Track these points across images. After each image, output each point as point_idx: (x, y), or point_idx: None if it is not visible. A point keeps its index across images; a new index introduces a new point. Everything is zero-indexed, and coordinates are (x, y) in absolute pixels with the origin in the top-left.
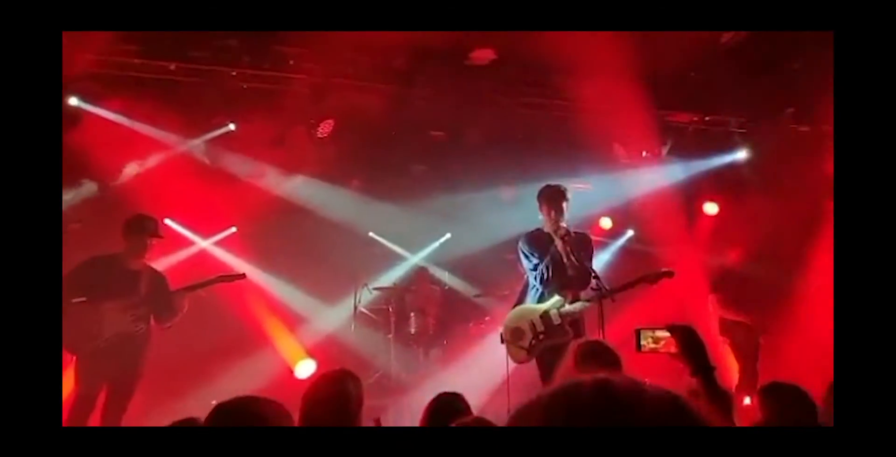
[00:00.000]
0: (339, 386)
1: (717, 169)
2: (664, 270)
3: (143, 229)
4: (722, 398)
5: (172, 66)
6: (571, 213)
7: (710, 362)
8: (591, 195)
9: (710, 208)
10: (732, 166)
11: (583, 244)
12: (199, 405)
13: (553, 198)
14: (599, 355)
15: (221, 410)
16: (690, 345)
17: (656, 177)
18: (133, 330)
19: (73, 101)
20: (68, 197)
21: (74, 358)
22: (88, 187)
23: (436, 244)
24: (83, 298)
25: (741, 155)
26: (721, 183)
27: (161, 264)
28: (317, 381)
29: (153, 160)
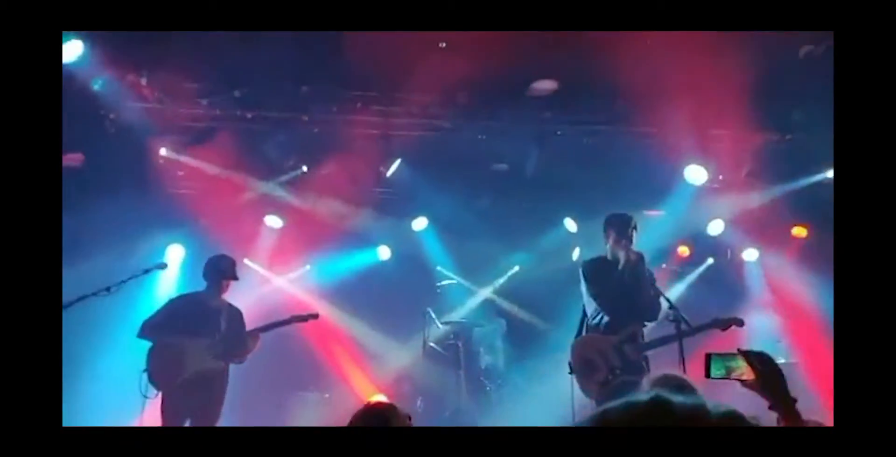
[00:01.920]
0: (380, 420)
1: (804, 190)
2: (735, 317)
3: (219, 271)
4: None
5: (249, 116)
6: (644, 240)
7: (789, 392)
8: (663, 222)
9: (799, 232)
10: (820, 187)
11: (651, 275)
12: None
13: (621, 226)
14: (682, 390)
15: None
16: (768, 374)
17: (737, 201)
18: (213, 367)
19: (163, 152)
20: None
21: (160, 394)
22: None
23: (504, 278)
24: (171, 337)
25: (829, 175)
26: (810, 205)
27: (240, 301)
28: (359, 413)
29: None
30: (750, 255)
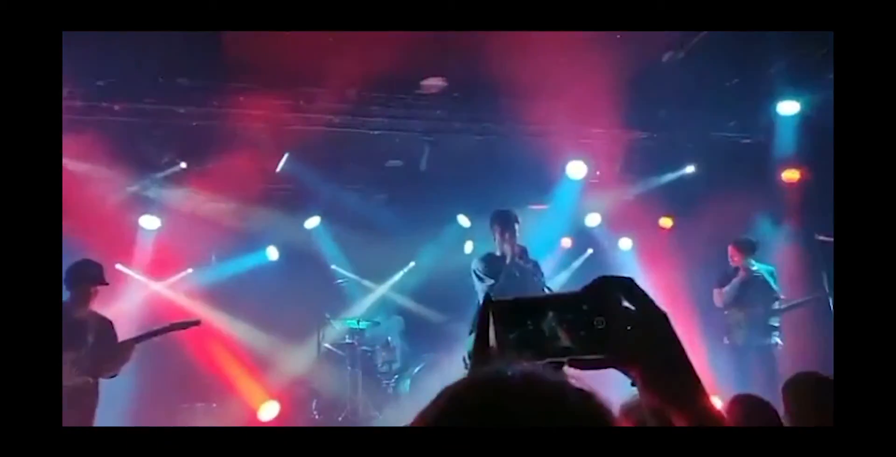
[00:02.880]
0: None
1: (669, 184)
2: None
3: (85, 277)
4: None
5: (117, 107)
6: (531, 234)
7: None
8: (548, 216)
9: (665, 222)
10: (683, 181)
11: (536, 266)
12: None
13: (505, 221)
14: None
15: None
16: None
17: (612, 195)
18: (79, 383)
19: None
20: None
21: None
22: None
23: (399, 274)
24: None
25: (690, 170)
26: (674, 198)
27: (111, 311)
28: None
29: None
30: (625, 244)
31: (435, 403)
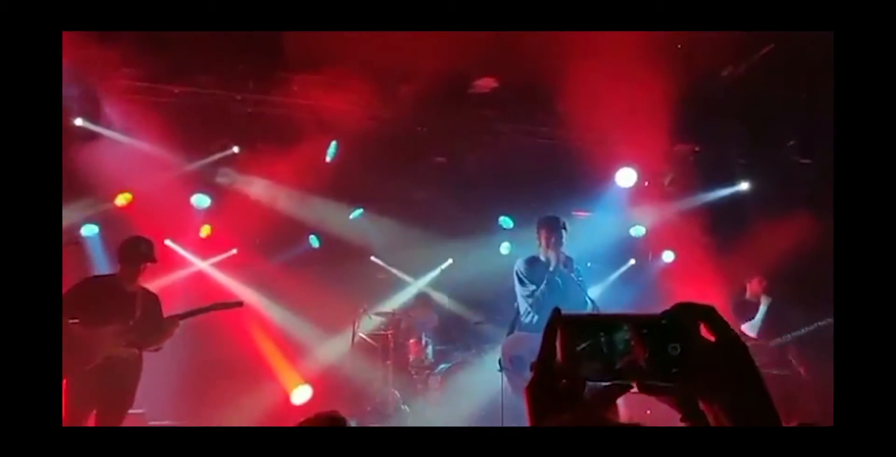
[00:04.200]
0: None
1: (719, 200)
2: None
3: (137, 253)
4: None
5: (177, 90)
6: (571, 241)
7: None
8: (591, 224)
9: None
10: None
11: (580, 277)
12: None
13: (552, 227)
14: None
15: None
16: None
17: (659, 207)
18: (125, 354)
19: (78, 121)
20: (72, 216)
21: (65, 381)
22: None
23: (437, 270)
24: (76, 320)
25: (743, 186)
26: (723, 214)
27: (157, 285)
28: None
29: (156, 181)
30: (667, 257)
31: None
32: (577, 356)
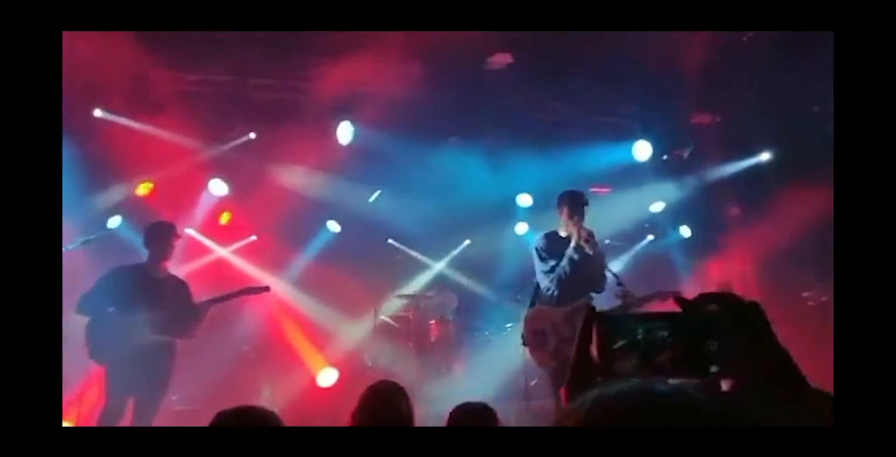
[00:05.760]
0: (392, 405)
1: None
2: (676, 291)
3: (163, 233)
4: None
5: (192, 78)
6: (594, 217)
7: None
8: (611, 199)
9: (734, 212)
10: (753, 170)
11: (600, 252)
12: None
13: (574, 202)
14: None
15: (222, 417)
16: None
17: (679, 181)
18: (159, 340)
19: (97, 112)
20: (96, 208)
21: (103, 369)
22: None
23: (456, 250)
24: (111, 309)
25: (765, 157)
26: (744, 187)
27: (181, 273)
28: (368, 400)
29: (176, 169)
30: (685, 232)
31: (575, 410)
32: (614, 354)
